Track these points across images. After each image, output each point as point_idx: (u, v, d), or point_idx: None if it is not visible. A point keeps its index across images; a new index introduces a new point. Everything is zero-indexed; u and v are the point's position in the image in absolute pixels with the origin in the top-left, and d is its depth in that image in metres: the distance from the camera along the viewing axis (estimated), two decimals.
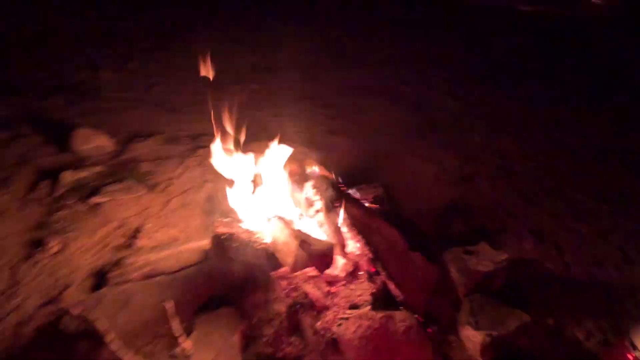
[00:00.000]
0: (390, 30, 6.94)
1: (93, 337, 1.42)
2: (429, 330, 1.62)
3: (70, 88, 4.14)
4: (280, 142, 2.04)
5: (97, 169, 2.60)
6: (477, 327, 1.51)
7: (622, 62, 5.39)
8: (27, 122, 3.26)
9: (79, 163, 2.70)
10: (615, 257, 2.18)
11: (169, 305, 1.51)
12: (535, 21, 8.72)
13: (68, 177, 2.45)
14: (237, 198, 1.91)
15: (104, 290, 1.63)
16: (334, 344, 1.55)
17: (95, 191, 2.34)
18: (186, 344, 1.42)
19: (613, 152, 3.33)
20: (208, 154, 2.93)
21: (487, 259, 1.84)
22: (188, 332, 1.54)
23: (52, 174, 2.50)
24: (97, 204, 2.25)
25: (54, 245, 1.95)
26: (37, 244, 1.96)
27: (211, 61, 1.90)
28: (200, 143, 3.12)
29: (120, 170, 2.66)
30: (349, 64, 5.33)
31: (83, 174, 2.51)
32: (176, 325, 1.46)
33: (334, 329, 1.57)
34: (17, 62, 4.80)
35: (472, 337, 1.51)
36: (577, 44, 6.83)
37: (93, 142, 2.83)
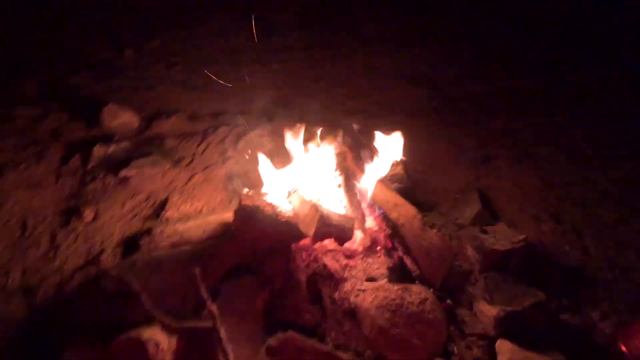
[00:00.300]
0: (408, 9, 6.74)
1: (129, 296, 1.53)
2: (444, 304, 1.67)
3: (94, 66, 4.24)
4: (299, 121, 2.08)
5: (125, 144, 2.70)
6: (491, 302, 1.56)
7: None
8: (56, 99, 3.39)
9: (107, 138, 2.82)
10: (636, 242, 2.15)
11: (198, 271, 1.61)
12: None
13: (98, 151, 2.57)
14: (262, 172, 1.97)
15: (136, 256, 1.74)
16: (352, 313, 1.62)
17: (123, 165, 2.44)
18: (212, 307, 1.51)
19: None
20: (228, 132, 3.02)
21: (504, 238, 1.86)
22: (214, 297, 1.64)
23: (82, 148, 2.63)
24: (126, 177, 2.36)
25: (88, 213, 2.08)
26: (73, 213, 2.09)
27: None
28: (221, 121, 3.18)
29: (146, 146, 2.76)
30: (367, 44, 5.24)
31: (112, 148, 2.62)
32: (203, 290, 1.55)
33: (352, 299, 1.64)
34: (41, 41, 4.93)
35: (486, 312, 1.55)
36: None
37: (120, 118, 2.93)
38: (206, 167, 2.56)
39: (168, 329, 1.46)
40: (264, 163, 1.90)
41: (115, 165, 2.48)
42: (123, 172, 2.37)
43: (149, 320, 1.47)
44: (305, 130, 2.06)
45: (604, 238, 2.17)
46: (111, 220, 2.06)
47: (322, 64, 4.58)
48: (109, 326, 1.45)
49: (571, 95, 3.91)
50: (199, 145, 2.83)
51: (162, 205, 2.16)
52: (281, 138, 2.82)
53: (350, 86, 3.99)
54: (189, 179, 2.43)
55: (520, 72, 4.51)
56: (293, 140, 2.02)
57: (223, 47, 4.97)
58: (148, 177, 2.39)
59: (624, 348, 1.51)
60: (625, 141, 3.14)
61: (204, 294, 1.56)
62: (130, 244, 1.90)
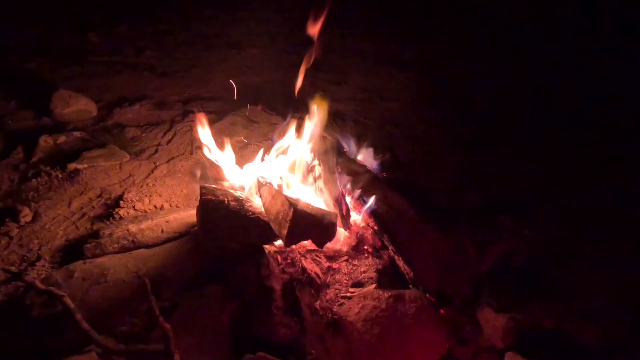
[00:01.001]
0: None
1: (60, 315, 1.24)
2: (442, 311, 1.44)
3: (55, 51, 3.85)
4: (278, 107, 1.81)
5: (78, 134, 2.38)
6: (498, 309, 1.33)
7: None
8: (5, 85, 3.02)
9: (58, 127, 2.49)
10: None
11: (148, 281, 1.33)
12: None
13: (45, 142, 2.24)
14: (228, 163, 1.70)
15: (76, 263, 1.45)
16: (335, 325, 1.38)
17: (74, 157, 2.13)
18: (165, 325, 1.24)
19: None
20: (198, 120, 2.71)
21: (507, 232, 1.64)
22: (170, 311, 1.37)
23: (28, 139, 2.29)
24: (76, 171, 2.05)
25: (26, 214, 1.77)
26: (8, 213, 1.77)
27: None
28: (191, 108, 2.88)
29: (103, 136, 2.45)
30: (353, 27, 4.96)
31: (62, 138, 2.29)
32: (154, 304, 1.28)
33: (335, 308, 1.40)
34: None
35: (493, 320, 1.32)
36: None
37: (74, 105, 2.60)
38: (171, 159, 2.27)
39: (109, 355, 1.19)
40: (230, 152, 1.63)
41: (65, 157, 2.16)
42: (72, 165, 2.05)
43: (84, 345, 1.18)
44: (284, 118, 1.80)
45: (613, 238, 1.96)
46: (54, 221, 1.76)
47: (304, 49, 4.30)
48: (34, 355, 1.17)
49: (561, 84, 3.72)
50: (164, 134, 2.53)
51: (116, 202, 1.87)
52: (256, 125, 2.54)
53: (334, 72, 3.72)
54: (151, 172, 2.13)
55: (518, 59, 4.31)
56: (269, 127, 1.75)
57: (197, 31, 4.63)
58: (102, 171, 2.08)
59: None
60: (631, 131, 2.96)
61: (155, 308, 1.28)
62: (73, 250, 1.60)
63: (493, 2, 5.32)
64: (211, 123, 2.61)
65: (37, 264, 1.54)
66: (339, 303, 1.42)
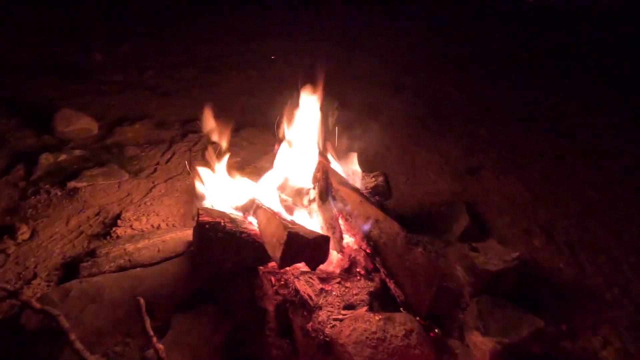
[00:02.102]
0: (394, 22, 6.73)
1: (55, 335, 1.26)
2: (432, 334, 1.46)
3: (59, 70, 3.96)
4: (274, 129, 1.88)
5: (78, 152, 2.43)
6: (486, 333, 1.36)
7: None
8: (9, 103, 3.09)
9: (59, 146, 2.54)
10: (631, 258, 2.01)
11: (142, 300, 1.36)
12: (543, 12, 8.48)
13: (46, 160, 2.29)
14: (224, 185, 1.75)
15: (72, 282, 1.47)
16: (326, 347, 1.39)
17: (73, 175, 2.17)
18: (158, 345, 1.25)
19: (625, 144, 3.15)
20: (197, 140, 2.78)
21: (496, 257, 1.68)
22: (164, 331, 1.39)
23: (29, 157, 2.34)
24: (75, 189, 2.09)
25: (24, 231, 1.79)
26: (6, 230, 1.80)
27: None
28: (190, 128, 2.95)
29: (103, 154, 2.50)
30: (349, 50, 5.12)
31: (62, 157, 2.34)
32: (148, 324, 1.30)
33: (327, 331, 1.41)
34: (6, 42, 4.61)
35: (481, 344, 1.35)
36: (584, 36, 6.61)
37: (76, 124, 2.66)
38: (169, 178, 2.31)
39: None
40: (224, 173, 1.68)
41: (65, 175, 2.20)
42: (71, 184, 2.09)
43: None
44: (278, 139, 1.86)
45: (598, 254, 2.02)
46: (51, 239, 1.78)
47: (302, 71, 4.44)
48: None
49: (555, 103, 3.86)
50: (163, 154, 2.58)
51: (114, 221, 1.90)
52: (253, 147, 2.61)
53: (332, 93, 3.83)
54: (149, 191, 2.17)
55: (504, 78, 4.47)
56: (267, 149, 1.81)
57: (199, 53, 4.77)
58: (101, 189, 2.12)
59: None
60: (612, 150, 3.07)
61: (149, 328, 1.30)
62: (70, 268, 1.62)
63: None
64: (210, 144, 2.70)
65: (33, 282, 1.56)
66: (331, 325, 1.44)
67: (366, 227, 1.64)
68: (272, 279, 1.54)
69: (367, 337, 1.30)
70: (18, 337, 1.27)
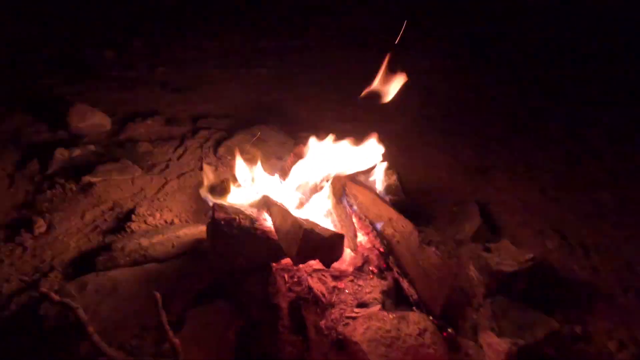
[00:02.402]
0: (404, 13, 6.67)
1: (73, 327, 1.28)
2: (445, 334, 1.46)
3: (71, 65, 3.99)
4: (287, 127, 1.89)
5: (92, 147, 2.46)
6: (501, 334, 1.35)
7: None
8: (24, 98, 3.13)
9: (73, 141, 2.57)
10: None
11: (159, 295, 1.37)
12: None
13: (61, 155, 2.32)
14: (240, 181, 1.75)
15: (88, 276, 1.49)
16: (339, 345, 1.40)
17: (88, 170, 2.19)
18: (174, 339, 1.27)
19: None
20: (209, 136, 2.79)
21: (510, 258, 1.67)
22: (179, 325, 1.40)
23: (44, 151, 2.37)
24: (90, 184, 2.11)
25: (40, 225, 1.82)
26: (23, 224, 1.82)
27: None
28: (201, 124, 2.96)
29: (116, 150, 2.52)
30: (361, 49, 5.10)
31: (77, 152, 2.37)
32: (164, 318, 1.31)
33: (340, 328, 1.42)
34: (15, 37, 4.65)
35: (496, 345, 1.35)
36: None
37: (90, 119, 2.68)
38: (181, 174, 2.33)
39: None
40: (242, 171, 1.69)
41: (79, 170, 2.23)
42: (86, 178, 2.12)
43: (95, 358, 1.21)
44: (293, 137, 1.87)
45: (612, 256, 2.00)
46: (67, 233, 1.81)
47: (314, 69, 4.42)
48: None
49: (570, 104, 3.80)
50: (175, 150, 2.60)
51: (128, 216, 1.92)
52: (266, 144, 2.62)
53: (342, 92, 3.82)
54: (161, 187, 2.19)
55: (516, 80, 4.42)
56: (278, 147, 1.82)
57: (209, 50, 4.78)
58: (115, 184, 2.14)
59: None
60: (626, 154, 3.02)
61: (165, 323, 1.32)
62: (85, 261, 1.64)
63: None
64: (221, 141, 2.71)
65: (49, 274, 1.58)
66: (344, 323, 1.45)
67: (379, 225, 1.64)
68: (286, 276, 1.54)
69: (381, 335, 1.30)
70: (36, 328, 1.29)
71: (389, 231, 1.64)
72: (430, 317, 1.46)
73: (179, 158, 2.51)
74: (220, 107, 3.41)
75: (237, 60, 4.49)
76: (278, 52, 4.83)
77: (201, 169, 2.39)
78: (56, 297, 1.32)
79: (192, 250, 1.67)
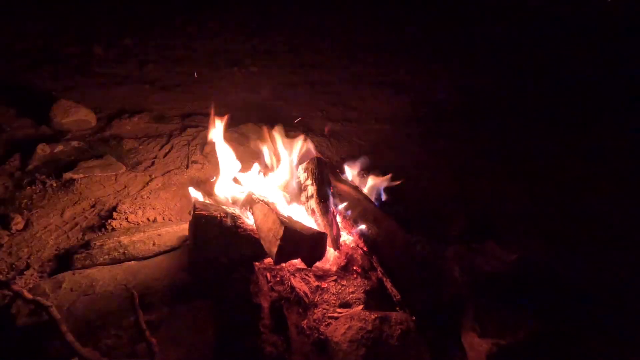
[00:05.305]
0: (393, 19, 6.70)
1: (46, 326, 1.24)
2: (428, 334, 1.45)
3: (58, 61, 3.93)
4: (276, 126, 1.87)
5: (76, 143, 2.41)
6: (482, 334, 1.34)
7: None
8: (7, 92, 3.06)
9: (57, 137, 2.52)
10: (631, 264, 2.00)
11: (136, 294, 1.34)
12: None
13: (42, 151, 2.27)
14: (223, 180, 1.73)
15: (65, 274, 1.45)
16: (321, 345, 1.38)
17: (70, 166, 2.15)
18: (151, 339, 1.24)
19: (627, 150, 3.14)
20: (196, 134, 2.76)
21: (494, 258, 1.67)
22: (157, 325, 1.37)
23: (26, 147, 2.32)
24: (71, 180, 2.06)
25: (18, 222, 1.77)
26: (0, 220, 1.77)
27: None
28: (189, 122, 2.93)
29: (101, 147, 2.48)
30: (352, 51, 5.10)
31: (59, 148, 2.32)
32: (141, 317, 1.28)
33: (322, 328, 1.40)
34: (7, 32, 4.57)
35: (477, 346, 1.34)
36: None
37: (74, 115, 2.63)
38: (167, 172, 2.29)
39: None
40: (224, 168, 1.66)
41: (61, 166, 2.18)
42: (68, 175, 2.07)
43: (69, 357, 1.18)
44: (279, 135, 1.85)
45: (598, 258, 2.01)
46: (45, 230, 1.76)
47: (304, 69, 4.41)
48: None
49: (562, 105, 3.84)
50: (161, 147, 2.56)
51: (110, 214, 1.88)
52: (251, 140, 2.58)
53: (332, 92, 3.81)
54: (146, 185, 2.15)
55: (505, 81, 4.45)
56: (262, 145, 1.80)
57: (200, 48, 4.74)
58: (97, 181, 2.10)
59: None
60: (613, 157, 3.05)
61: (142, 322, 1.29)
62: (63, 260, 1.60)
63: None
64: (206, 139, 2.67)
65: (25, 272, 1.53)
66: (326, 323, 1.43)
67: (364, 225, 1.62)
68: (268, 275, 1.52)
69: (362, 336, 1.28)
70: (8, 327, 1.25)
71: (373, 231, 1.63)
72: (413, 318, 1.45)
73: (165, 156, 2.47)
74: (209, 106, 3.37)
75: (228, 58, 4.47)
76: (269, 51, 4.81)
77: (187, 167, 2.36)
78: (29, 295, 1.29)
79: (174, 249, 1.63)
